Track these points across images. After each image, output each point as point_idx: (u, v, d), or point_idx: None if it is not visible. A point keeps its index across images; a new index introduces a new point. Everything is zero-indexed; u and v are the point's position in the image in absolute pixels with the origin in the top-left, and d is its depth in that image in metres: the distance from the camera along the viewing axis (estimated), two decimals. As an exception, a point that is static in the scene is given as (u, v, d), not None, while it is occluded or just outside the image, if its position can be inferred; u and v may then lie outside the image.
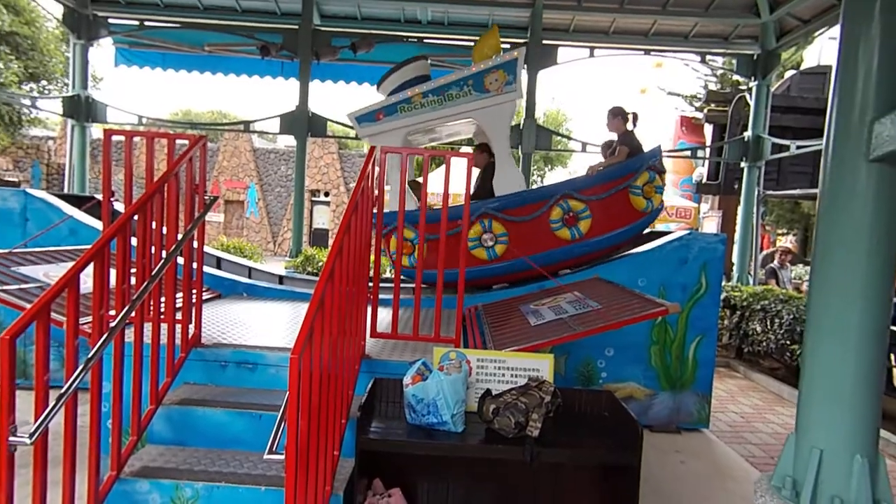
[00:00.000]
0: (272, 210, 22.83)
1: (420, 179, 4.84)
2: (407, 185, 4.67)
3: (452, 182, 3.47)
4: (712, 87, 14.73)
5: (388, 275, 6.78)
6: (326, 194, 22.41)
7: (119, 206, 4.97)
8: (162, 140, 3.04)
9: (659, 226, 12.00)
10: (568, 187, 4.71)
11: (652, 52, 8.45)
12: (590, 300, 3.62)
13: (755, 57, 8.10)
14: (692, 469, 3.96)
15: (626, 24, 8.05)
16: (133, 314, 2.35)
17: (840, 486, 1.50)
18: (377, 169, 3.15)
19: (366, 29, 8.25)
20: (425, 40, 8.44)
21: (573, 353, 4.63)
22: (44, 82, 12.55)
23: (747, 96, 8.47)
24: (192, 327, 3.02)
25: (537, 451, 2.31)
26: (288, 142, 22.17)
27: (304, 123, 8.10)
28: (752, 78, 8.16)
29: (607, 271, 4.55)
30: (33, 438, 1.69)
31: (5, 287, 3.11)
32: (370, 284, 3.27)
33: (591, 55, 8.23)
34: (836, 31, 7.81)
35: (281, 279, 5.99)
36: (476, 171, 5.17)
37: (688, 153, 11.21)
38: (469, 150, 5.73)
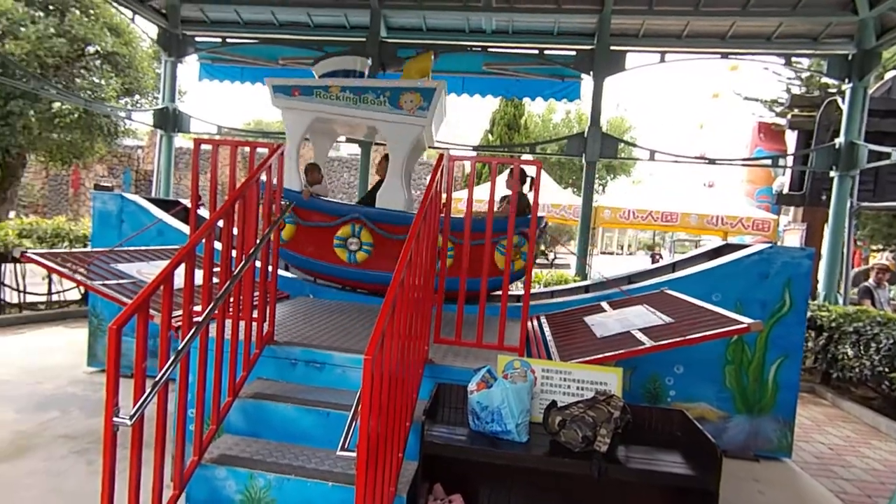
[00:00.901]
0: (336, 216, 23.59)
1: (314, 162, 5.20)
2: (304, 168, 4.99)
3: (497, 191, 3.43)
4: (796, 90, 13.82)
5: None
6: (386, 200, 22.90)
7: (202, 212, 5.32)
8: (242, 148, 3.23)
9: (732, 238, 11.38)
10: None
11: (730, 56, 8.04)
12: (660, 314, 3.49)
13: (850, 57, 7.49)
14: (772, 500, 3.68)
15: (701, 27, 7.72)
16: (216, 311, 2.50)
17: None
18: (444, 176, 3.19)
19: (431, 40, 8.40)
20: (489, 49, 8.48)
21: (639, 368, 4.45)
22: (137, 96, 13.70)
23: (839, 100, 7.86)
24: (266, 325, 3.17)
25: (605, 467, 2.24)
26: (350, 150, 22.89)
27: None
28: (846, 80, 7.54)
29: (677, 285, 4.36)
30: (132, 420, 1.84)
31: (106, 282, 3.40)
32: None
33: (662, 60, 7.94)
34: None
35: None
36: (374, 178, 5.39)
37: (767, 161, 10.55)
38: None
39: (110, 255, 3.90)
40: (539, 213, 5.36)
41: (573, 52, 8.05)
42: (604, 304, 4.27)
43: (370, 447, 1.78)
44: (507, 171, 5.29)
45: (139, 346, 1.95)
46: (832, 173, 7.76)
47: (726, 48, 7.87)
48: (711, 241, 11.21)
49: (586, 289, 5.61)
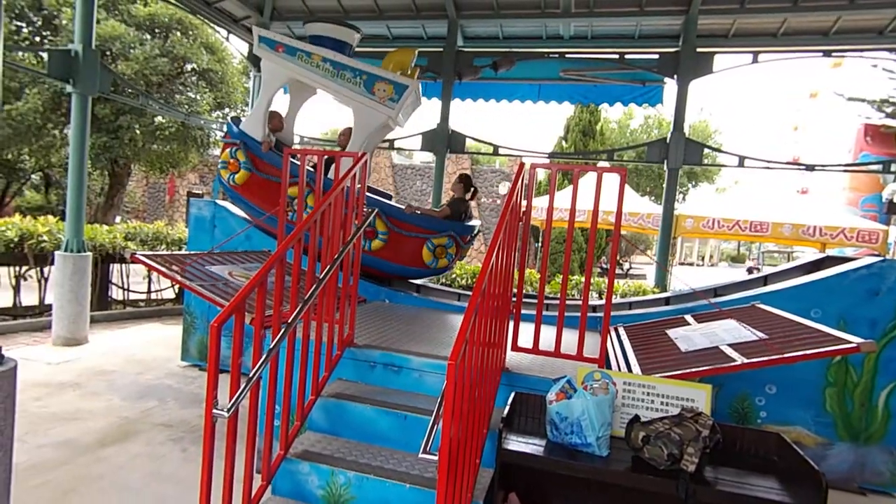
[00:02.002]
0: (407, 223, 24.10)
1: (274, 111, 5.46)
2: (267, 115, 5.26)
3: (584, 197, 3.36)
4: (908, 89, 12.51)
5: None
6: (458, 208, 23.09)
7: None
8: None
9: (832, 250, 10.43)
10: (386, 208, 5.24)
11: (833, 54, 7.41)
12: (751, 329, 3.26)
13: (973, 50, 6.71)
14: (881, 539, 3.33)
15: (800, 24, 7.15)
16: (303, 313, 2.63)
17: None
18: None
19: (508, 47, 8.39)
20: (567, 55, 8.35)
21: (726, 385, 4.19)
22: (227, 109, 14.77)
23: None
24: (346, 328, 3.29)
25: (693, 488, 2.12)
26: (423, 158, 23.31)
27: (444, 140, 8.45)
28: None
29: (770, 299, 4.05)
30: (229, 413, 1.97)
31: (202, 282, 3.68)
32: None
33: (755, 61, 7.45)
34: None
35: (418, 289, 6.29)
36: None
37: (876, 167, 9.60)
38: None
39: (206, 258, 4.21)
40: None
41: (656, 56, 7.74)
42: (688, 317, 4.06)
43: (451, 451, 1.79)
44: (455, 178, 5.75)
45: (236, 343, 2.09)
46: (955, 179, 6.94)
47: (829, 45, 7.25)
48: (806, 253, 10.34)
49: (667, 301, 5.36)
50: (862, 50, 7.35)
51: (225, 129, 5.49)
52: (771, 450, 2.48)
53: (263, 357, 2.20)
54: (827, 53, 7.35)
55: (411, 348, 3.35)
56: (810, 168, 8.06)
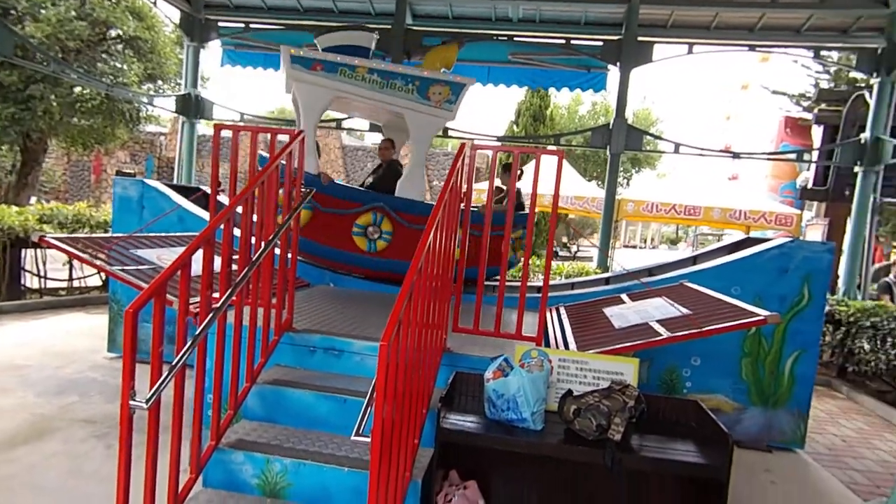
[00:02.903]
0: (358, 206, 23.69)
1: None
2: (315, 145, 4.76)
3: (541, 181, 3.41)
4: (824, 85, 13.46)
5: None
6: (410, 189, 22.91)
7: (223, 198, 5.38)
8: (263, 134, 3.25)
9: (755, 232, 11.18)
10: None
11: (758, 49, 7.85)
12: (678, 306, 3.46)
13: (879, 51, 7.29)
14: (784, 491, 3.66)
15: (730, 19, 7.54)
16: (234, 297, 2.54)
17: None
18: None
19: (457, 28, 8.33)
20: (515, 38, 8.38)
21: (657, 359, 4.43)
22: (159, 82, 13.82)
23: (867, 94, 7.65)
24: (284, 313, 3.21)
25: (619, 456, 2.24)
26: (375, 139, 22.91)
27: (394, 121, 8.32)
28: (875, 74, 7.35)
29: (697, 278, 4.30)
30: (149, 404, 1.88)
31: (125, 267, 3.46)
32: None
33: (690, 52, 7.79)
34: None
35: None
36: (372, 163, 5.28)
37: (792, 156, 10.33)
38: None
39: (130, 241, 3.96)
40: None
41: (600, 43, 7.93)
42: (623, 296, 4.25)
43: (384, 433, 1.80)
44: (501, 167, 5.38)
45: (156, 331, 1.98)
46: (856, 168, 7.60)
47: (755, 40, 7.69)
48: (734, 236, 11.06)
49: (607, 281, 5.58)
50: (782, 46, 7.85)
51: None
52: (690, 416, 2.65)
53: (188, 345, 2.11)
54: (752, 48, 7.80)
55: (354, 332, 3.32)
56: (736, 156, 8.57)
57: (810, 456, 4.35)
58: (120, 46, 12.73)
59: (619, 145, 7.69)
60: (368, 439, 1.78)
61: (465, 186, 3.22)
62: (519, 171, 5.24)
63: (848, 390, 6.29)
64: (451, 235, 2.95)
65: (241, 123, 9.15)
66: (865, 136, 7.47)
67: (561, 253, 24.22)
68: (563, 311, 4.14)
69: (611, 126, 7.74)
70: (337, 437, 2.76)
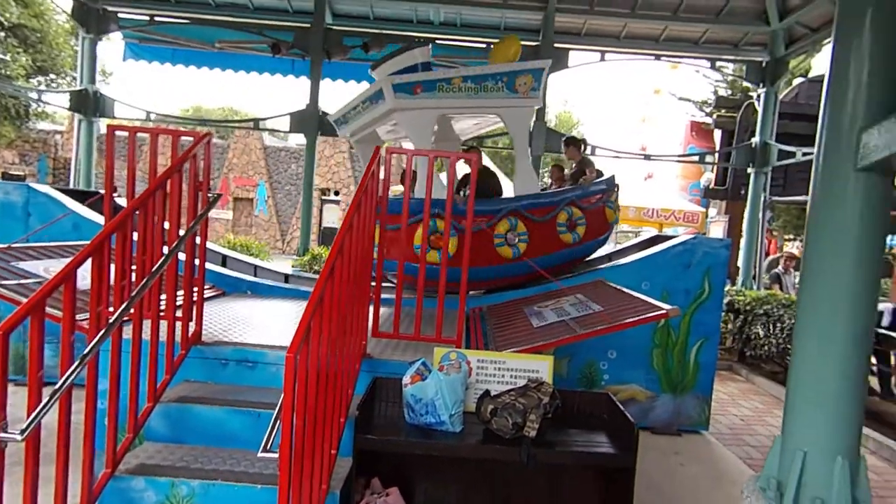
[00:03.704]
0: (282, 208, 22.87)
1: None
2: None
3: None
4: (722, 92, 14.65)
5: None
6: (337, 193, 22.44)
7: (123, 202, 4.99)
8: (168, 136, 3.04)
9: (667, 230, 11.97)
10: (572, 195, 4.90)
11: (662, 58, 8.41)
12: (592, 303, 3.60)
13: (764, 64, 8.06)
14: (691, 471, 3.93)
15: (637, 29, 8.02)
16: (132, 311, 2.35)
17: (822, 487, 1.52)
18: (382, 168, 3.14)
19: (378, 29, 8.24)
20: (437, 41, 8.42)
21: (576, 355, 4.61)
22: (52, 76, 12.60)
23: (756, 103, 8.42)
24: (192, 325, 3.02)
25: (534, 451, 2.30)
26: (299, 140, 22.20)
27: (314, 122, 8.11)
28: (761, 85, 8.12)
29: (611, 275, 4.52)
30: (25, 434, 1.68)
31: (4, 282, 3.11)
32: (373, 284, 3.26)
33: (602, 59, 8.20)
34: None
35: (287, 278, 5.99)
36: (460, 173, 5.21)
37: (696, 158, 11.16)
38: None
39: (10, 252, 3.57)
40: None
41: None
42: (542, 295, 4.37)
43: (295, 446, 1.73)
44: (563, 143, 5.80)
45: (33, 352, 1.79)
46: (749, 170, 8.35)
47: (660, 50, 8.23)
48: (649, 233, 11.80)
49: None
50: (684, 56, 8.46)
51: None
52: (602, 409, 2.77)
53: (73, 366, 1.92)
54: (658, 57, 8.34)
55: (269, 342, 3.18)
56: (648, 157, 9.14)
57: (714, 436, 4.71)
58: (1, 35, 11.47)
59: (539, 147, 7.95)
60: (276, 455, 1.70)
61: (380, 190, 3.18)
62: (581, 144, 5.58)
63: (747, 373, 6.89)
64: (369, 238, 2.90)
65: (151, 124, 8.54)
66: (755, 140, 8.22)
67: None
68: (486, 311, 4.20)
69: (531, 129, 7.97)
70: (251, 453, 2.62)
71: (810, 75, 11.85)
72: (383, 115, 4.36)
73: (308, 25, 7.91)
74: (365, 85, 8.91)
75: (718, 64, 8.75)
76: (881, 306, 6.25)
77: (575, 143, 5.70)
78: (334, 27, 8.11)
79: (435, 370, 2.53)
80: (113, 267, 2.48)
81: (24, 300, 2.83)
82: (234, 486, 2.34)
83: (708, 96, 15.49)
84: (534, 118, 4.83)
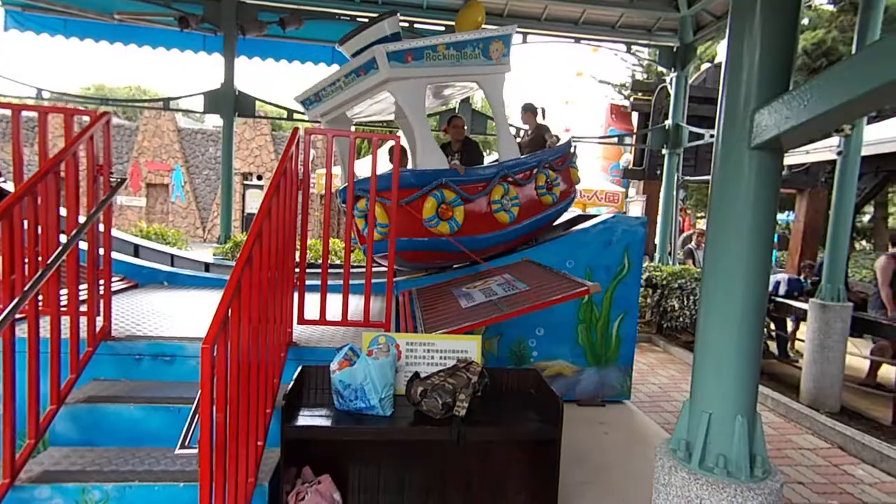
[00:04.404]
0: (200, 194, 21.58)
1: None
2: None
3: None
4: (639, 76, 15.38)
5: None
6: (260, 178, 21.48)
7: (9, 187, 4.51)
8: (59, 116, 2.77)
9: (590, 209, 12.50)
10: (547, 157, 5.10)
11: (582, 41, 8.66)
12: (518, 282, 3.70)
13: (675, 49, 8.51)
14: (614, 439, 4.18)
15: (558, 12, 8.19)
16: (26, 306, 2.15)
17: (724, 444, 1.66)
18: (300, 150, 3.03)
19: (295, 4, 7.88)
20: (358, 18, 8.18)
21: (506, 333, 4.73)
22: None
23: (668, 87, 8.90)
24: (100, 320, 2.81)
25: (464, 430, 2.35)
26: (217, 122, 20.95)
27: (230, 102, 7.69)
28: (672, 69, 8.57)
29: (537, 254, 4.66)
30: None
31: None
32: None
33: (524, 41, 8.32)
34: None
35: (207, 266, 5.70)
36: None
37: (615, 140, 11.68)
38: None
39: None
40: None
41: (442, 29, 8.08)
42: (471, 276, 4.44)
43: (217, 441, 1.66)
44: (521, 109, 5.79)
45: None
46: (664, 151, 8.84)
47: (579, 33, 8.46)
48: (572, 212, 12.24)
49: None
50: (601, 40, 8.77)
51: (412, 182, 4.20)
52: (530, 384, 2.88)
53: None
54: (577, 40, 8.58)
55: (188, 334, 3.02)
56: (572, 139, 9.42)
57: (635, 405, 5.01)
58: None
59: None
60: (195, 450, 1.63)
61: (301, 171, 3.08)
62: (540, 109, 5.66)
63: (664, 344, 7.39)
64: (289, 222, 2.81)
65: (45, 103, 7.73)
66: (668, 123, 8.72)
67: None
68: (415, 294, 4.21)
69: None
70: (171, 450, 2.50)
71: (716, 60, 12.72)
72: (376, 85, 4.13)
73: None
74: (284, 64, 8.53)
75: (634, 48, 9.16)
76: (779, 276, 6.91)
77: (532, 110, 5.79)
78: (247, 1, 7.67)
79: (363, 355, 2.51)
80: None
81: None
82: (153, 486, 2.22)
83: (626, 80, 16.24)
84: (504, 84, 4.88)
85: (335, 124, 4.84)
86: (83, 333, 2.68)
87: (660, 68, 9.95)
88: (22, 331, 2.24)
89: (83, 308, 2.71)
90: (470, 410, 2.44)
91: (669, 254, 8.97)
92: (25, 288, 2.11)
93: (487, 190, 4.52)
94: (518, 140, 5.80)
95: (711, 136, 7.81)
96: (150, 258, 5.37)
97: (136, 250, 5.71)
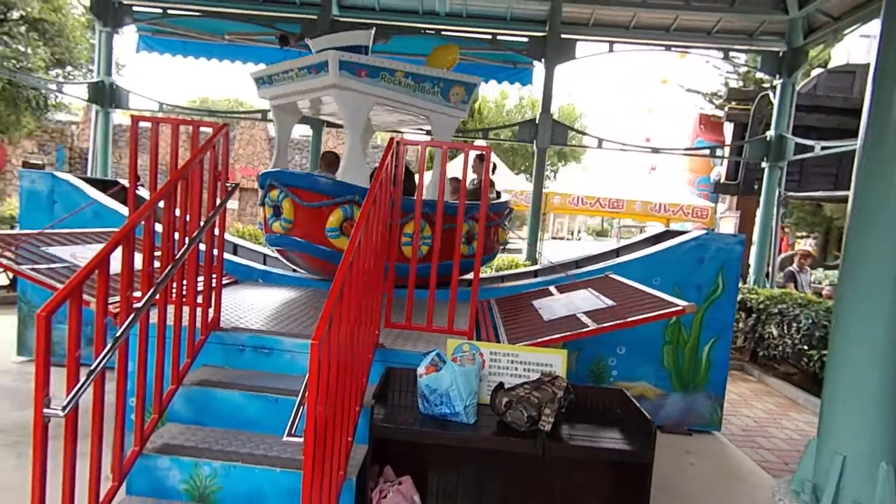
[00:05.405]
0: (288, 199, 22.93)
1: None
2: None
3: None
4: (734, 84, 14.49)
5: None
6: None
7: (143, 192, 5.07)
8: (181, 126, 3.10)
9: (674, 224, 11.93)
10: (471, 211, 4.91)
11: (673, 48, 8.34)
12: (604, 297, 3.63)
13: (781, 54, 7.94)
14: (701, 470, 3.95)
15: (647, 19, 7.95)
16: (157, 297, 2.42)
17: (863, 491, 1.49)
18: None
19: (383, 20, 8.24)
20: (443, 32, 8.41)
21: (585, 349, 4.63)
22: (69, 68, 12.76)
23: (771, 94, 8.33)
24: (211, 311, 3.09)
25: (549, 445, 2.34)
26: (303, 131, 22.24)
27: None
28: (777, 76, 8.00)
29: (620, 270, 4.54)
30: (66, 411, 1.77)
31: (36, 266, 3.21)
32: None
33: (611, 50, 8.13)
34: (867, 28, 7.56)
35: (265, 258, 6.07)
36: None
37: (706, 152, 11.07)
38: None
39: (41, 238, 3.67)
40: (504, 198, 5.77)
41: (525, 39, 8.11)
42: (552, 289, 4.40)
43: (318, 432, 1.78)
44: (475, 158, 5.59)
45: (72, 334, 1.87)
46: (763, 164, 8.25)
47: (670, 41, 8.15)
48: (655, 228, 11.73)
49: (535, 273, 5.76)
50: (695, 47, 8.38)
51: (326, 189, 4.33)
52: (615, 404, 2.80)
53: (108, 347, 1.99)
54: (668, 48, 8.26)
55: (284, 329, 3.25)
56: (656, 151, 9.08)
57: (726, 437, 4.68)
58: (23, 29, 11.63)
59: (545, 140, 7.93)
60: (301, 440, 1.76)
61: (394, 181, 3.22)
62: (493, 165, 5.56)
63: (759, 374, 6.81)
64: (383, 230, 2.95)
65: (161, 115, 8.62)
66: (770, 133, 8.13)
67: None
68: (493, 304, 4.24)
69: (537, 121, 7.96)
70: (269, 437, 2.70)
71: (830, 66, 11.70)
72: (322, 88, 4.26)
73: (315, 17, 7.94)
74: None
75: (731, 54, 8.66)
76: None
77: (483, 160, 5.79)
78: (340, 18, 8.12)
79: (449, 361, 2.57)
80: (138, 255, 2.55)
81: (56, 284, 2.94)
82: (254, 468, 2.41)
83: (718, 88, 15.33)
84: (455, 128, 4.98)
85: (284, 112, 5.02)
86: (198, 323, 2.97)
87: (760, 75, 9.32)
88: (152, 318, 2.52)
89: (198, 300, 3.00)
90: (554, 425, 2.42)
91: (766, 276, 8.34)
92: (159, 280, 2.38)
93: (401, 221, 4.37)
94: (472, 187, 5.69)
95: (824, 147, 7.20)
96: (247, 257, 5.81)
97: (235, 249, 6.20)
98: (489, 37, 8.28)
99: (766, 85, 8.58)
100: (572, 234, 45.44)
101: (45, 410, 1.75)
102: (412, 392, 2.78)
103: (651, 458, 2.34)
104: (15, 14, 11.53)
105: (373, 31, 4.71)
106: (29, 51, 11.54)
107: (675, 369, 4.66)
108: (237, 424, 2.77)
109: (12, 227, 7.37)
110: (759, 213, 8.44)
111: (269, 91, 4.76)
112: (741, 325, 7.19)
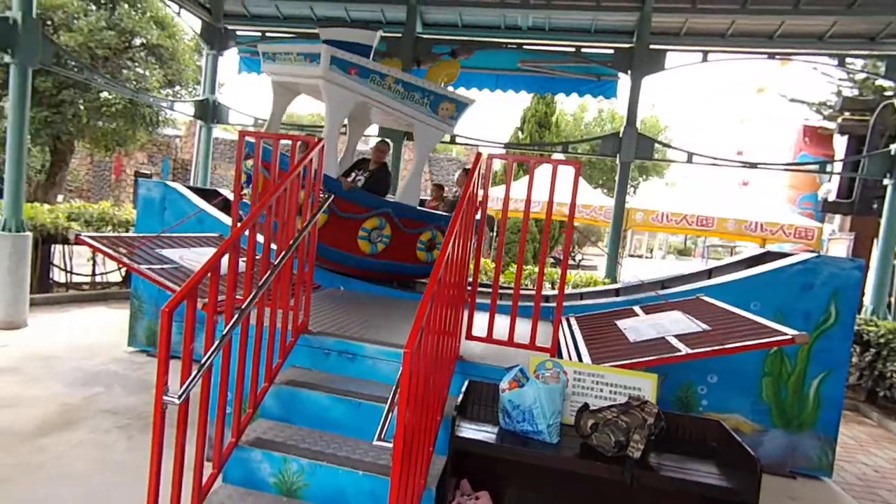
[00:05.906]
0: (364, 210, 23.80)
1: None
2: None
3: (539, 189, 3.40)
4: (848, 93, 13.22)
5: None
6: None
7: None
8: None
9: (771, 245, 11.00)
10: (439, 221, 5.16)
11: (777, 56, 7.77)
12: (696, 320, 3.41)
13: (909, 59, 7.15)
14: (810, 519, 3.56)
15: (748, 26, 7.46)
16: (257, 299, 2.57)
17: None
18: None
19: (466, 36, 8.37)
20: (525, 46, 8.40)
21: (671, 375, 4.36)
22: (178, 87, 14.16)
23: (895, 103, 7.51)
24: (300, 315, 3.24)
25: (638, 473, 2.22)
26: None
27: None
28: (904, 82, 7.21)
29: (714, 292, 4.24)
30: (180, 399, 1.93)
31: (152, 266, 3.53)
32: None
33: (705, 60, 7.72)
34: None
35: None
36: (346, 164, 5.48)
37: (814, 167, 10.16)
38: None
39: (155, 241, 4.04)
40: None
41: (611, 51, 7.90)
42: (636, 308, 4.20)
43: (405, 439, 1.80)
44: (460, 172, 5.71)
45: (187, 330, 2.02)
46: (886, 181, 7.37)
47: (774, 48, 7.60)
48: (748, 248, 10.86)
49: (617, 292, 5.53)
50: (804, 54, 7.73)
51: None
52: (711, 436, 2.61)
53: (216, 343, 2.14)
54: (771, 56, 7.69)
55: (366, 336, 3.33)
56: (753, 166, 8.45)
57: (839, 485, 4.19)
58: (143, 54, 13.11)
59: (629, 154, 7.62)
60: (390, 444, 1.79)
61: (481, 194, 3.23)
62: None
63: (879, 416, 6.01)
64: (467, 244, 2.95)
65: (243, 128, 9.26)
66: (894, 147, 7.30)
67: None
68: (573, 321, 4.11)
69: (621, 134, 7.69)
70: (351, 440, 2.77)
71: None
72: (311, 77, 4.44)
73: (400, 35, 8.20)
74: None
75: (847, 61, 7.91)
76: None
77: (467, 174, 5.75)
78: (424, 36, 8.33)
79: (533, 378, 2.52)
80: (241, 260, 2.73)
81: (168, 283, 3.22)
82: (338, 469, 2.48)
83: (827, 97, 14.04)
84: (438, 142, 5.11)
85: (282, 88, 5.15)
86: (289, 325, 3.12)
87: (882, 82, 8.42)
88: (251, 318, 2.68)
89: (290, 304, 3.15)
90: (643, 453, 2.29)
91: (889, 306, 7.41)
92: (260, 283, 2.53)
93: (362, 216, 4.64)
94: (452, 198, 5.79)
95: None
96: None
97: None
98: (573, 50, 8.16)
99: (889, 93, 7.73)
100: (651, 251, 43.39)
101: (164, 398, 1.90)
102: (491, 406, 2.75)
103: (756, 498, 2.14)
104: (137, 41, 12.97)
105: (379, 33, 4.94)
106: (147, 73, 12.93)
107: (777, 403, 4.25)
108: (321, 425, 2.86)
109: (128, 230, 8.22)
110: (878, 235, 7.57)
111: (271, 67, 4.98)
112: (855, 360, 6.43)
